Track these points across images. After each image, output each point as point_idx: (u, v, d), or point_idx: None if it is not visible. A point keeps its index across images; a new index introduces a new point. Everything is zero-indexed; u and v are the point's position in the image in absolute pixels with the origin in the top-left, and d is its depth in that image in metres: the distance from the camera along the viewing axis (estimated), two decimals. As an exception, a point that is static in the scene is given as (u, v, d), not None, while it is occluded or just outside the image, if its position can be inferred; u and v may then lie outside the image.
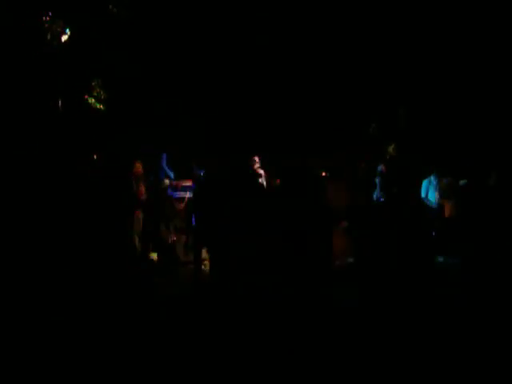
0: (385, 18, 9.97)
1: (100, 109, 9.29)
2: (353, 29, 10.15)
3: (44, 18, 9.03)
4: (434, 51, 10.14)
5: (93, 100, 9.20)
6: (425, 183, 8.22)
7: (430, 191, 8.18)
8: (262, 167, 8.58)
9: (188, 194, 8.74)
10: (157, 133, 10.31)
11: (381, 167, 8.07)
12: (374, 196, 8.13)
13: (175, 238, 8.58)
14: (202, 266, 7.36)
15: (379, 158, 8.41)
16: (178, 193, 8.99)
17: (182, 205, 8.71)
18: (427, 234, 7.94)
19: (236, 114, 10.96)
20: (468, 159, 8.95)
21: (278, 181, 8.44)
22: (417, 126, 10.06)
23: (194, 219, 7.51)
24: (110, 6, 9.40)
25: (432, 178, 8.23)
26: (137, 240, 8.20)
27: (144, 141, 9.81)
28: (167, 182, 8.99)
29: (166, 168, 9.30)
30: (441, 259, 7.72)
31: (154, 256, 8.46)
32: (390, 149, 8.46)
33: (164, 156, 9.44)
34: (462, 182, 8.25)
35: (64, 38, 9.16)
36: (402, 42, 10.19)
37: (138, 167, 8.51)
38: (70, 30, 9.15)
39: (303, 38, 10.35)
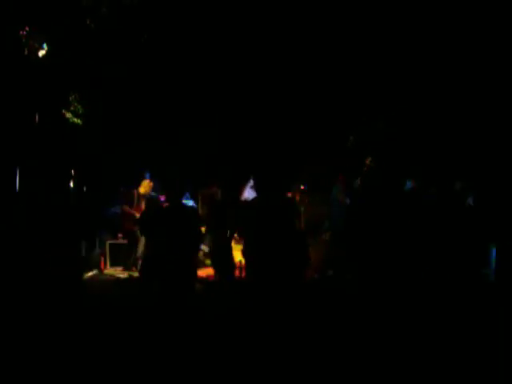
0: (363, 32, 10.07)
1: (77, 123, 9.23)
2: (331, 41, 10.23)
3: (21, 32, 8.99)
4: (413, 65, 10.24)
5: (70, 115, 9.13)
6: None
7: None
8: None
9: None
10: (137, 149, 10.26)
11: (358, 181, 8.11)
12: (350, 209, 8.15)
13: None
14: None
15: (357, 171, 8.44)
16: None
17: None
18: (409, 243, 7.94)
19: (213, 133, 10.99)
20: (447, 170, 9.02)
21: None
22: (395, 138, 10.12)
23: None
24: (88, 21, 9.38)
25: (409, 188, 8.28)
26: None
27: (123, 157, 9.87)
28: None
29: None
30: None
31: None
32: (368, 161, 8.48)
33: (148, 175, 9.57)
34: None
35: (41, 52, 9.11)
36: (380, 56, 10.28)
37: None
38: (47, 45, 9.10)
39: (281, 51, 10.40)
